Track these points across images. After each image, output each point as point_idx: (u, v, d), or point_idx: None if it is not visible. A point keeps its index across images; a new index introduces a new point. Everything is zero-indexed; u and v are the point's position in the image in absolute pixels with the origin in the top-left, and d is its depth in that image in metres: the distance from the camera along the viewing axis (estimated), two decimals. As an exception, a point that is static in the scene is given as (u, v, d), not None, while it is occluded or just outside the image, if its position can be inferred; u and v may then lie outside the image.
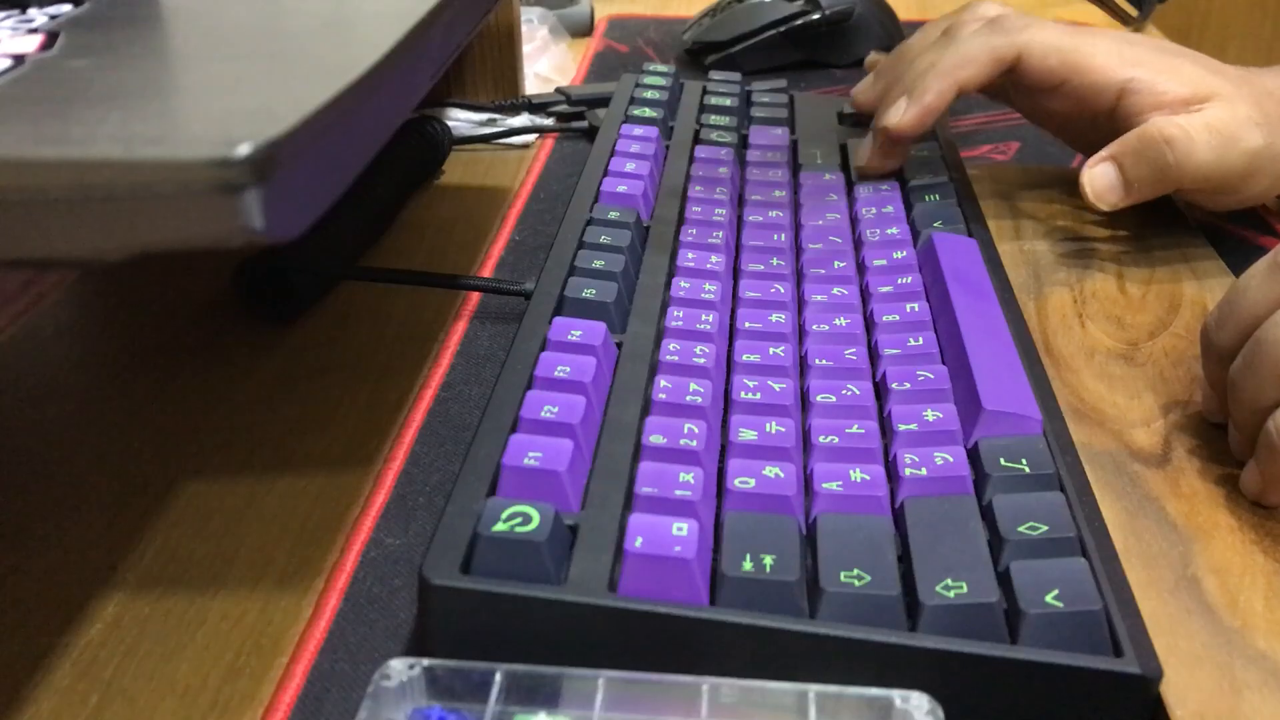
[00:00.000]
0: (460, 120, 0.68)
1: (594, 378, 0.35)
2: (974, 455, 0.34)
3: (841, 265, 0.45)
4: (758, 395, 0.36)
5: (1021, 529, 0.31)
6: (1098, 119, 0.51)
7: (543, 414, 0.33)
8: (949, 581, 0.29)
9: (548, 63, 0.79)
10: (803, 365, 0.39)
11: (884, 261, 0.45)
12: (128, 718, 0.30)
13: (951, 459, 0.33)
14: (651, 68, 0.63)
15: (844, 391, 0.37)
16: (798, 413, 0.36)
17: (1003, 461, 0.33)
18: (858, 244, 0.47)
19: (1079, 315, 0.47)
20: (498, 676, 0.27)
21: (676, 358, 0.37)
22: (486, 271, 0.52)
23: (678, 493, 0.31)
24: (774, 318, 0.40)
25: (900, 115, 0.49)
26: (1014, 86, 0.53)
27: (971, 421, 0.35)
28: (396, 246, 0.55)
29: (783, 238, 0.47)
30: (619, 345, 0.38)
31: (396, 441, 0.40)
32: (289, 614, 0.34)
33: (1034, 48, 0.49)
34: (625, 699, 0.27)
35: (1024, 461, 0.33)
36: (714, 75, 0.64)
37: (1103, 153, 0.49)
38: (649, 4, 0.95)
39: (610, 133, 0.55)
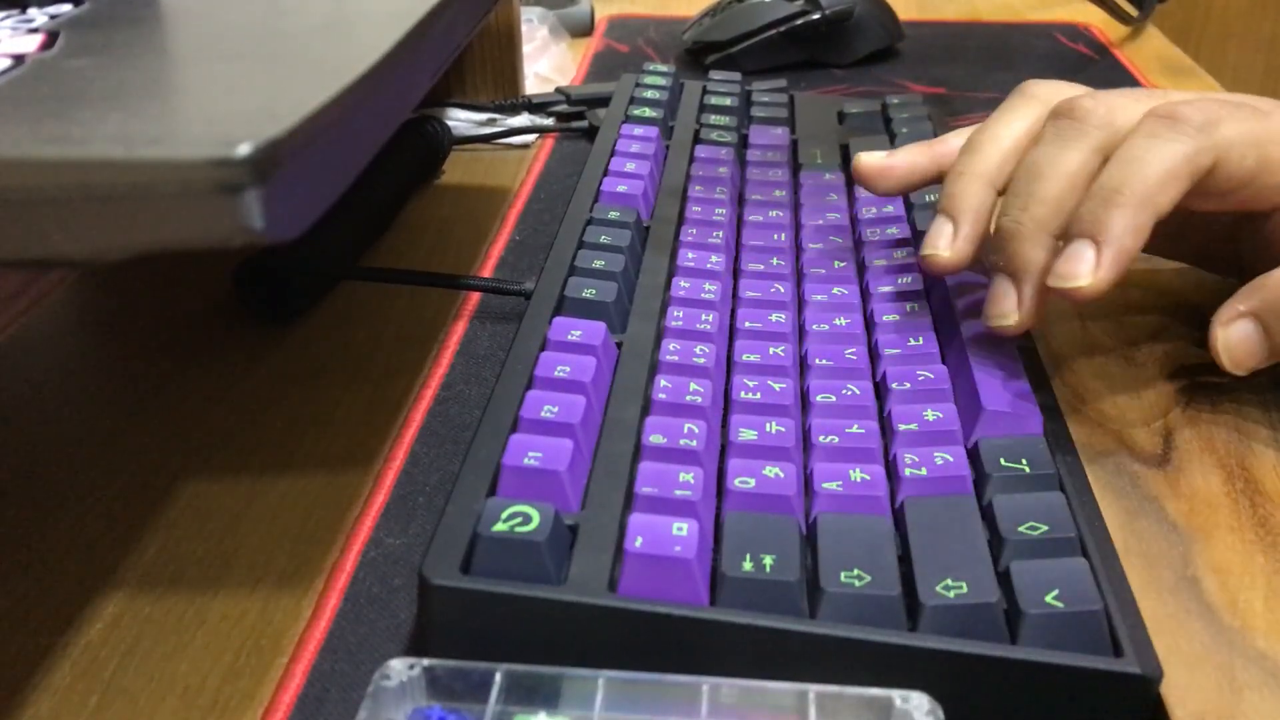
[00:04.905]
0: (460, 120, 0.68)
1: (594, 378, 0.35)
2: (974, 455, 0.34)
3: (841, 265, 0.45)
4: (758, 395, 0.36)
5: (1021, 529, 0.31)
6: (1246, 218, 0.41)
7: (543, 414, 0.33)
8: (949, 581, 0.29)
9: (548, 63, 0.79)
10: (803, 365, 0.39)
11: (884, 261, 0.45)
12: (128, 718, 0.30)
13: (951, 459, 0.33)
14: (651, 68, 0.63)
15: (844, 391, 0.37)
16: (798, 413, 0.36)
17: (1003, 461, 0.33)
18: (858, 244, 0.47)
19: (1079, 315, 0.47)
20: (498, 676, 0.27)
21: (676, 357, 0.37)
22: (486, 271, 0.52)
23: (678, 493, 0.31)
24: (774, 317, 0.40)
25: (1092, 270, 0.35)
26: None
27: (971, 421, 0.35)
28: (396, 246, 0.55)
29: (783, 237, 0.47)
30: (619, 345, 0.38)
31: (396, 441, 0.40)
32: (289, 614, 0.34)
33: (1234, 149, 0.36)
34: (625, 699, 0.27)
35: (1024, 461, 0.33)
36: (714, 75, 0.64)
37: (1239, 304, 0.38)
38: (649, 4, 0.95)
39: (610, 133, 0.55)
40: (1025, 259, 0.37)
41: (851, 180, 0.53)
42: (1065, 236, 0.36)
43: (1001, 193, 0.40)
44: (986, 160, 0.40)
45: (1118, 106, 0.38)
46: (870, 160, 0.45)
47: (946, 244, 0.39)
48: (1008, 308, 0.37)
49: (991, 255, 0.38)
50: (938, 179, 0.44)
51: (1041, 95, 0.41)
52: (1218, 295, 0.39)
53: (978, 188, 0.40)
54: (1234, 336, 0.38)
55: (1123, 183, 0.35)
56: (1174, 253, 0.48)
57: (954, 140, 0.44)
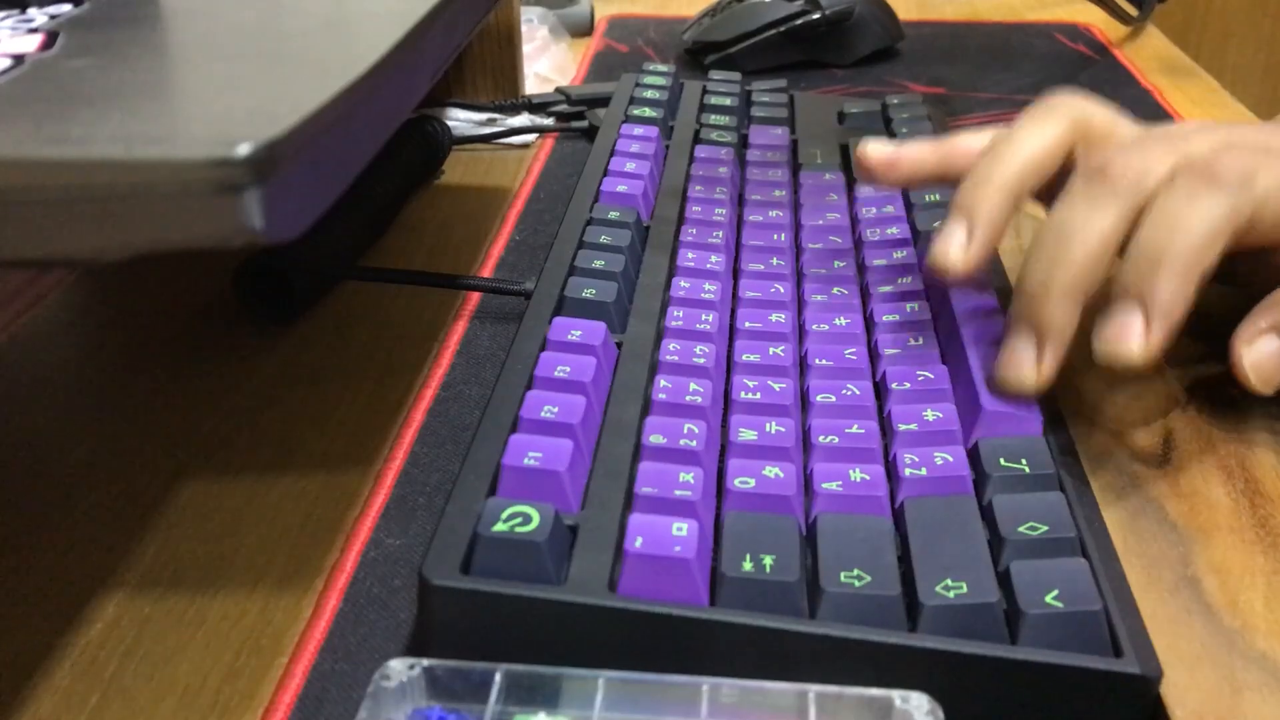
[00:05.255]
0: (460, 120, 0.68)
1: (594, 378, 0.35)
2: (974, 455, 0.34)
3: (841, 265, 0.45)
4: (758, 395, 0.36)
5: (1021, 529, 0.31)
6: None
7: (543, 414, 0.33)
8: (949, 581, 0.29)
9: (548, 63, 0.79)
10: (803, 365, 0.39)
11: (884, 261, 0.45)
12: (128, 718, 0.30)
13: (951, 459, 0.33)
14: (651, 68, 0.63)
15: (844, 391, 0.37)
16: (798, 413, 0.36)
17: (1003, 461, 0.33)
18: (858, 244, 0.47)
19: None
20: (498, 676, 0.27)
21: (676, 358, 0.37)
22: (486, 271, 0.52)
23: (678, 493, 0.31)
24: (774, 317, 0.40)
25: (1142, 338, 0.34)
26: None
27: (971, 421, 0.35)
28: (396, 246, 0.55)
29: (783, 237, 0.47)
30: (619, 345, 0.38)
31: (396, 441, 0.40)
32: (289, 614, 0.34)
33: (1270, 200, 0.36)
34: (625, 699, 0.27)
35: (1024, 461, 0.33)
36: (714, 75, 0.64)
37: (1260, 321, 0.38)
38: (649, 4, 0.95)
39: (610, 133, 0.55)
40: (1052, 320, 0.35)
41: (852, 180, 0.53)
42: (1107, 302, 0.35)
43: (1019, 205, 0.39)
44: (1008, 169, 0.39)
45: (1150, 163, 0.36)
46: (876, 152, 0.44)
47: (959, 250, 0.38)
48: (1027, 368, 0.36)
49: (1011, 313, 0.37)
50: (941, 179, 0.43)
51: (1065, 110, 0.41)
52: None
53: (998, 197, 0.39)
54: (1261, 354, 0.37)
55: (1167, 246, 0.34)
56: None
57: (962, 142, 0.43)
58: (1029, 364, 0.36)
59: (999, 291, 0.43)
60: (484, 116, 0.68)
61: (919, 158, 0.44)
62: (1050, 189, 0.38)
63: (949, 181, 0.42)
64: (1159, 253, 0.34)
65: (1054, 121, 0.40)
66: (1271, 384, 0.37)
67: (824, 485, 0.32)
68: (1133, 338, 0.34)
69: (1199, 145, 0.37)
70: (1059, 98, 0.41)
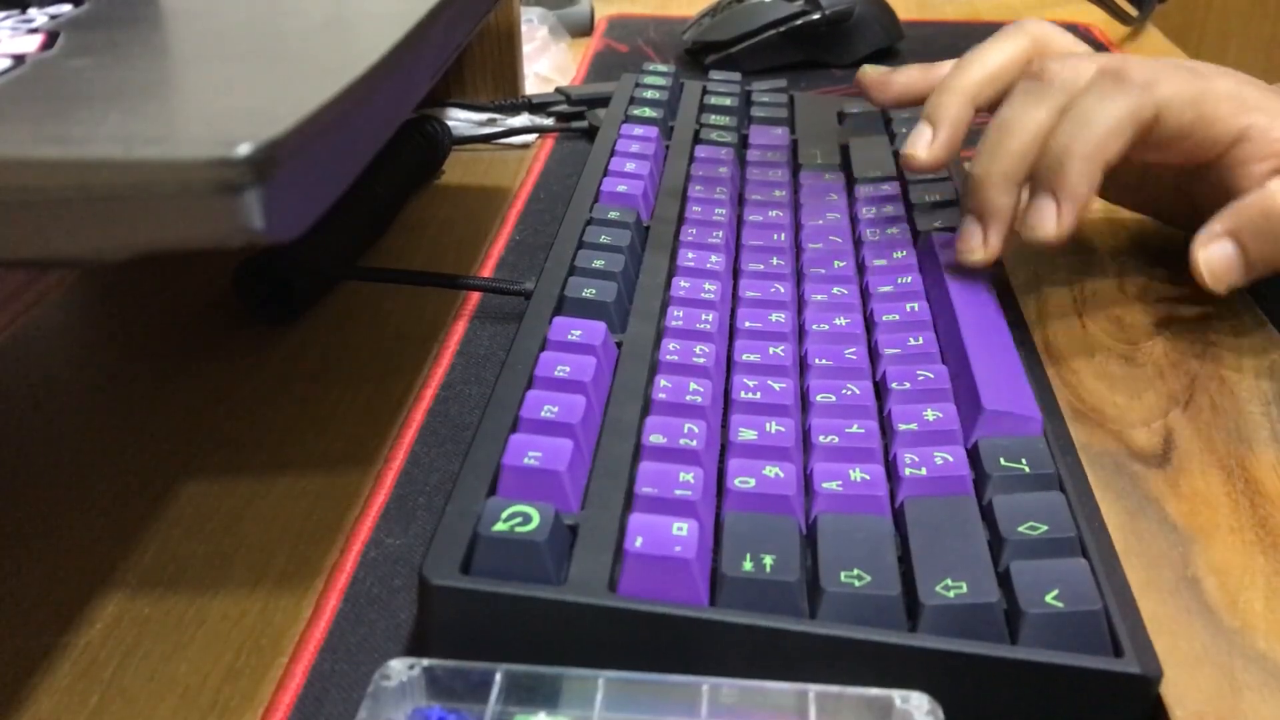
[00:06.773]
0: (460, 120, 0.68)
1: (594, 377, 0.35)
2: (974, 455, 0.34)
3: (841, 265, 0.45)
4: (758, 395, 0.36)
5: (1021, 529, 0.31)
6: (1195, 171, 0.45)
7: (543, 414, 0.33)
8: (949, 581, 0.29)
9: (548, 63, 0.79)
10: (803, 365, 0.39)
11: (884, 261, 0.45)
12: (128, 718, 0.30)
13: (951, 459, 0.33)
14: (651, 68, 0.63)
15: (844, 391, 0.37)
16: (798, 412, 0.36)
17: (1003, 461, 0.33)
18: (858, 243, 0.47)
19: (1079, 315, 0.47)
20: (498, 676, 0.27)
21: (676, 357, 0.37)
22: (486, 271, 0.52)
23: (678, 493, 0.31)
24: (774, 317, 0.40)
25: (1055, 222, 0.40)
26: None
27: (971, 421, 0.35)
28: (396, 246, 0.55)
29: (783, 237, 0.47)
30: (619, 345, 0.38)
31: (396, 441, 0.40)
32: (289, 614, 0.34)
33: (1172, 104, 0.41)
34: (625, 699, 0.27)
35: (1024, 461, 0.33)
36: (714, 75, 0.64)
37: (1216, 226, 0.42)
38: (649, 4, 0.95)
39: (610, 133, 0.55)
40: (992, 204, 0.42)
41: (852, 180, 0.53)
42: (1030, 188, 0.41)
43: (979, 108, 0.46)
44: (970, 79, 0.46)
45: (1082, 70, 0.42)
46: (873, 73, 0.52)
47: (924, 146, 0.45)
48: (975, 244, 0.42)
49: (963, 200, 0.43)
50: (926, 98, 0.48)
51: (1032, 32, 0.47)
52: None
53: (959, 101, 0.45)
54: (1214, 255, 0.42)
55: (1074, 138, 0.40)
56: (1134, 203, 0.53)
57: (945, 65, 0.50)
58: (977, 240, 0.42)
59: (999, 291, 0.43)
60: (484, 116, 0.68)
61: (910, 79, 0.51)
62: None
63: None
64: (1068, 146, 0.40)
65: (1015, 40, 0.47)
66: (1222, 283, 0.42)
67: (824, 485, 0.32)
68: (1048, 221, 0.40)
69: (1124, 60, 0.42)
70: (1030, 22, 0.48)
